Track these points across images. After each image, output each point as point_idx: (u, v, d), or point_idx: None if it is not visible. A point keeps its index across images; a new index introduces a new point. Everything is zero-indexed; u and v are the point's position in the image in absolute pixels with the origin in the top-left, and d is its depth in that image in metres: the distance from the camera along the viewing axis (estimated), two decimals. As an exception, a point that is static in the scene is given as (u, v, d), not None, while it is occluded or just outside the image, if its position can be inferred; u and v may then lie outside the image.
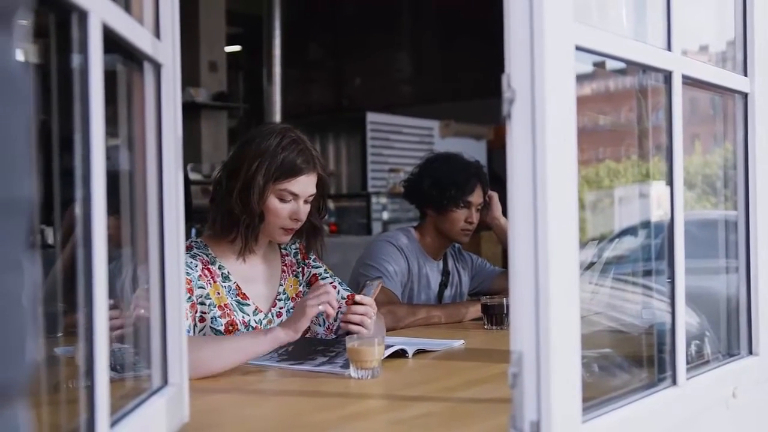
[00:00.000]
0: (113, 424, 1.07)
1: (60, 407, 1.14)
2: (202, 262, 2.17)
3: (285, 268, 2.36)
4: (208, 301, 2.13)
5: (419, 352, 2.17)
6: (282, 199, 2.18)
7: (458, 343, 2.33)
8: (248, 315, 2.21)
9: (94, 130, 1.00)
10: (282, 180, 2.16)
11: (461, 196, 2.94)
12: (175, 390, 1.37)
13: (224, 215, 2.19)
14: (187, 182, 3.58)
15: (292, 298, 2.34)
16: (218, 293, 2.17)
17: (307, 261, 2.40)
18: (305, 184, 2.20)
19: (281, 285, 2.33)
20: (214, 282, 2.18)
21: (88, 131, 0.99)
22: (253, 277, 2.28)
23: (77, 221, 1.00)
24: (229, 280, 2.21)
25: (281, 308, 2.30)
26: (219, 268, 2.21)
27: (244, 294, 2.23)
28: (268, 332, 2.00)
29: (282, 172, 2.15)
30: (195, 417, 1.44)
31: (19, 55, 0.62)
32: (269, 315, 2.27)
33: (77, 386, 1.29)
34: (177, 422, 1.38)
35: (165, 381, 1.36)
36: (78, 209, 0.99)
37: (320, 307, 1.98)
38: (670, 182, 1.51)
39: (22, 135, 0.60)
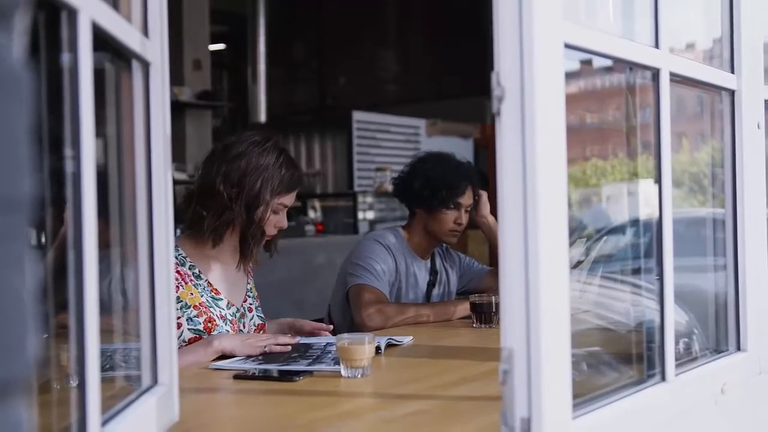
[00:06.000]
0: (104, 423, 1.07)
1: (47, 407, 1.13)
2: None
3: (249, 269, 2.45)
4: (179, 304, 2.17)
5: (389, 346, 2.21)
6: (275, 212, 2.28)
7: (407, 339, 2.34)
8: (223, 309, 2.28)
9: (84, 129, 0.99)
10: (282, 195, 2.27)
11: (452, 198, 2.93)
12: (165, 389, 1.36)
13: (222, 225, 2.24)
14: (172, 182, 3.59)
15: (256, 297, 2.46)
16: (191, 293, 2.22)
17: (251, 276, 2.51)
18: (294, 197, 2.33)
19: (248, 284, 2.44)
20: (186, 283, 2.22)
21: (78, 130, 0.99)
22: (224, 275, 2.34)
23: (67, 222, 0.99)
24: (201, 279, 2.27)
25: (251, 304, 2.41)
26: (189, 269, 2.26)
27: (216, 289, 2.29)
28: (209, 344, 2.08)
29: (283, 188, 2.27)
30: (185, 417, 1.44)
31: (19, 54, 0.62)
32: (241, 309, 2.35)
33: (63, 386, 1.28)
34: (167, 421, 1.37)
35: (155, 380, 1.36)
36: (68, 210, 0.99)
37: (265, 348, 2.11)
38: (659, 180, 1.52)
39: (24, 134, 0.60)
